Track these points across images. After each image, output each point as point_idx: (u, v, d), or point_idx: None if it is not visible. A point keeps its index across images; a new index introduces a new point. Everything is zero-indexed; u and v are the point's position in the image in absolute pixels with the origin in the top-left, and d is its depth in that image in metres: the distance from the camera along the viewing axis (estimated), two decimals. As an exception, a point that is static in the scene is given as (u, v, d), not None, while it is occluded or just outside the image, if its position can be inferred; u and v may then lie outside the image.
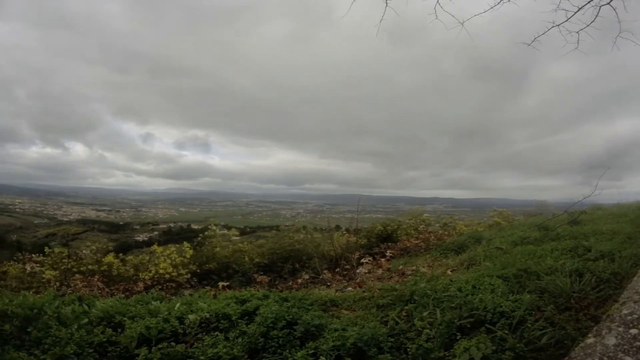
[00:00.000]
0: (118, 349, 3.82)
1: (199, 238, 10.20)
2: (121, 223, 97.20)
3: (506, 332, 3.61)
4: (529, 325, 3.63)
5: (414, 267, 7.62)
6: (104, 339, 3.88)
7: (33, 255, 9.19)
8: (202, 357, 3.64)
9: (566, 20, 5.13)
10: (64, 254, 9.06)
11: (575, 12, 5.06)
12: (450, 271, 6.77)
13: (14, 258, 9.00)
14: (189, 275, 9.08)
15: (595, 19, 5.06)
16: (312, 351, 3.74)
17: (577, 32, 5.21)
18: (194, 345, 3.93)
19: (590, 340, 3.19)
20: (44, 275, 8.23)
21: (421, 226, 12.45)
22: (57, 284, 8.07)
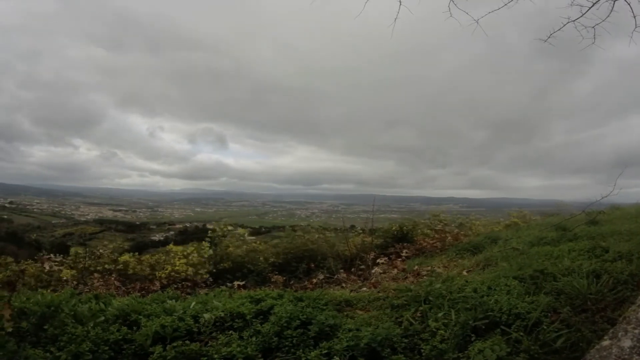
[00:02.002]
0: (133, 347, 3.86)
1: (209, 237, 10.19)
2: (138, 223, 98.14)
3: (521, 334, 3.58)
4: (545, 327, 3.60)
5: (430, 268, 7.59)
6: (120, 337, 3.92)
7: (52, 255, 9.31)
8: (216, 356, 3.67)
9: (581, 16, 5.07)
10: (81, 253, 9.17)
11: (590, 7, 5.00)
12: (466, 272, 6.73)
13: (33, 257, 9.13)
14: (207, 275, 9.13)
15: (610, 13, 5.00)
16: (326, 351, 3.75)
17: (593, 27, 5.15)
18: (209, 344, 3.96)
19: (605, 342, 3.15)
20: (61, 274, 8.33)
21: (438, 226, 12.37)
22: (75, 282, 8.17)
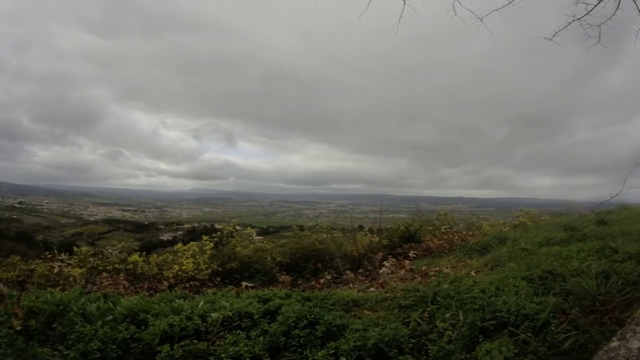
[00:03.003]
0: (141, 346, 3.87)
1: (216, 237, 10.22)
2: (146, 223, 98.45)
3: (529, 335, 3.56)
4: (553, 329, 3.58)
5: (437, 268, 7.57)
6: (128, 336, 3.94)
7: (62, 255, 9.38)
8: (223, 355, 3.68)
9: (587, 14, 5.03)
10: (90, 253, 9.24)
11: (595, 5, 4.97)
12: (474, 272, 6.71)
13: (42, 257, 9.20)
14: (209, 271, 9.17)
15: (615, 12, 4.96)
16: (333, 351, 3.75)
17: (599, 25, 5.11)
18: (216, 343, 3.97)
19: (614, 344, 3.13)
20: (70, 273, 8.39)
21: (444, 226, 12.34)
22: (83, 281, 8.23)
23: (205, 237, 9.98)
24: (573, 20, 5.08)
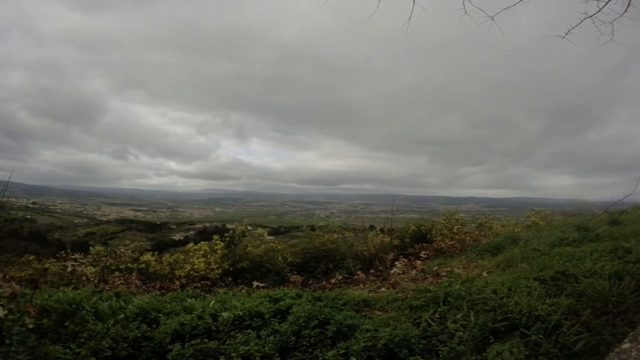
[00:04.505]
0: (152, 344, 3.90)
1: (227, 236, 10.26)
2: (158, 223, 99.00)
3: (541, 336, 3.54)
4: (565, 330, 3.55)
5: (449, 269, 7.55)
6: (139, 334, 3.97)
7: (76, 254, 9.47)
8: (233, 354, 3.69)
9: (598, 11, 4.99)
10: (102, 252, 9.32)
11: (607, 2, 4.92)
12: (486, 273, 6.68)
13: (55, 256, 9.29)
14: (220, 271, 9.21)
15: (627, 8, 4.91)
16: (343, 351, 3.76)
17: (611, 22, 5.06)
18: (227, 342, 4.00)
19: (625, 345, 3.10)
20: (83, 272, 8.46)
21: (456, 227, 12.30)
22: (96, 280, 8.30)
23: (215, 237, 10.03)
24: (585, 18, 5.03)
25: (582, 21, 5.04)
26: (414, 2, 5.15)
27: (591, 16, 5.00)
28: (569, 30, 5.22)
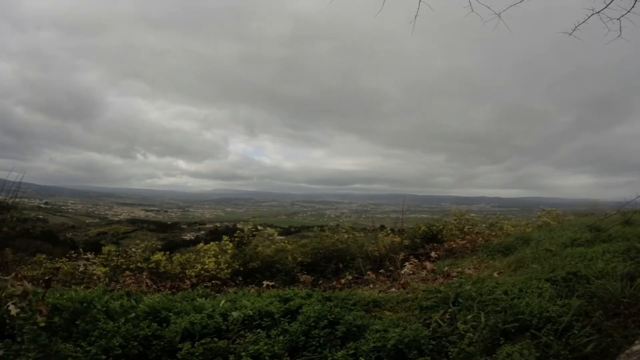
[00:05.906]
0: (162, 343, 3.92)
1: (237, 236, 10.30)
2: (169, 222, 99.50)
3: (551, 338, 3.52)
4: (576, 332, 3.53)
5: (460, 269, 7.52)
6: (149, 333, 3.99)
7: (87, 254, 9.55)
8: (243, 354, 3.70)
9: (605, 7, 4.94)
10: (114, 252, 9.39)
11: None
12: (497, 273, 6.65)
13: (67, 255, 9.38)
14: (230, 270, 9.24)
15: (635, 4, 4.86)
16: (352, 351, 3.77)
17: (618, 18, 5.01)
18: (236, 342, 4.01)
19: (636, 347, 3.08)
20: (94, 272, 8.53)
21: (466, 227, 12.24)
22: (107, 279, 8.36)
23: (225, 238, 10.07)
24: (592, 14, 4.99)
25: (588, 17, 5.01)
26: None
27: (598, 12, 4.97)
28: (575, 27, 5.18)
